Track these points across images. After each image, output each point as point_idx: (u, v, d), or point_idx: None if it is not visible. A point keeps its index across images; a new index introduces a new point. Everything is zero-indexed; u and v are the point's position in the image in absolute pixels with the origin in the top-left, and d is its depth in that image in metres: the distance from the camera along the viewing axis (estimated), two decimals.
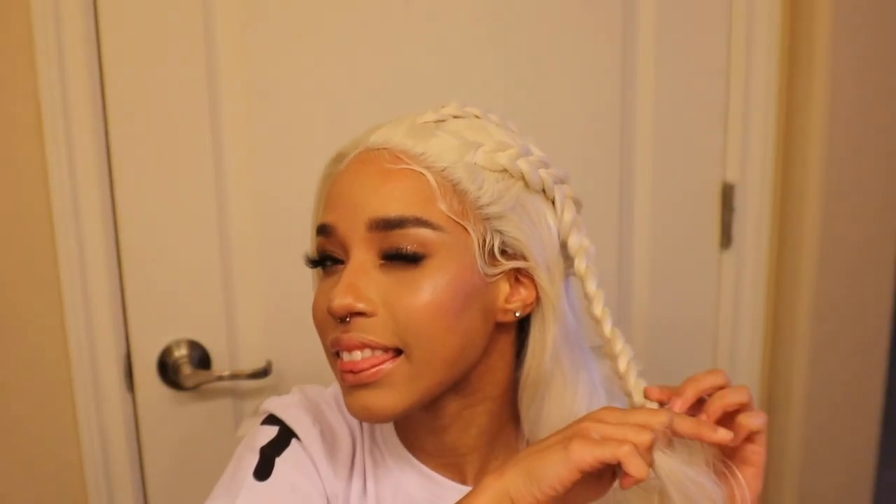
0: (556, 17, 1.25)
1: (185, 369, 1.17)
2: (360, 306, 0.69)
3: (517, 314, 0.75)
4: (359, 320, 0.69)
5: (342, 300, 0.68)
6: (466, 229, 0.71)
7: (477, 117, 0.76)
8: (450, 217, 0.70)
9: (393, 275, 0.69)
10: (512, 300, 0.75)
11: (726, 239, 1.41)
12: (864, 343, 1.46)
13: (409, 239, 0.69)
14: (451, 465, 0.79)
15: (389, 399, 0.70)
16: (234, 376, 1.19)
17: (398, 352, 0.69)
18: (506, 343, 0.77)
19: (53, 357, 1.14)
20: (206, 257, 1.18)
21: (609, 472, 0.65)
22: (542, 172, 0.75)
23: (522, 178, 0.73)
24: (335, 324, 0.70)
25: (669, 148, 1.35)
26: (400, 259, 0.69)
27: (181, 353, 1.18)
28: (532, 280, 0.74)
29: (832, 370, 1.44)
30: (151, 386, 1.19)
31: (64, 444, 1.17)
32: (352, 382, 0.70)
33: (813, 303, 1.40)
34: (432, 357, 0.70)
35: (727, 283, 1.43)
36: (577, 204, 0.77)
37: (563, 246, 0.76)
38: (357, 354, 0.69)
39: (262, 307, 1.21)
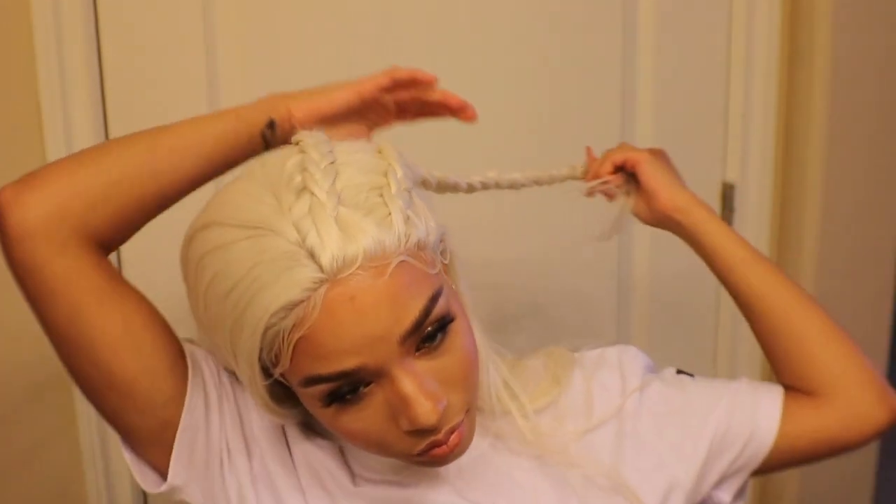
0: (555, 16, 1.25)
1: None
2: (444, 403, 0.67)
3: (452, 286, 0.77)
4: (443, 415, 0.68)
5: (431, 411, 0.65)
6: (441, 270, 0.70)
7: (332, 162, 0.67)
8: (434, 273, 0.68)
9: (433, 355, 0.67)
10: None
11: None
12: (864, 343, 1.45)
13: (435, 319, 0.66)
14: None
15: (470, 437, 0.72)
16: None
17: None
18: None
19: (53, 357, 1.14)
20: None
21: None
22: (406, 159, 0.72)
23: (418, 185, 0.73)
24: (419, 436, 0.68)
25: (669, 148, 1.34)
26: (431, 338, 0.67)
27: None
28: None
29: None
30: None
31: (64, 445, 1.17)
32: (447, 455, 0.70)
33: None
34: (477, 390, 0.73)
35: None
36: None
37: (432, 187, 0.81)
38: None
39: None
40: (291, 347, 0.64)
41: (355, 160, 0.68)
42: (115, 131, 1.12)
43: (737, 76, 1.36)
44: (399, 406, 0.66)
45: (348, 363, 0.64)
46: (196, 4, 1.12)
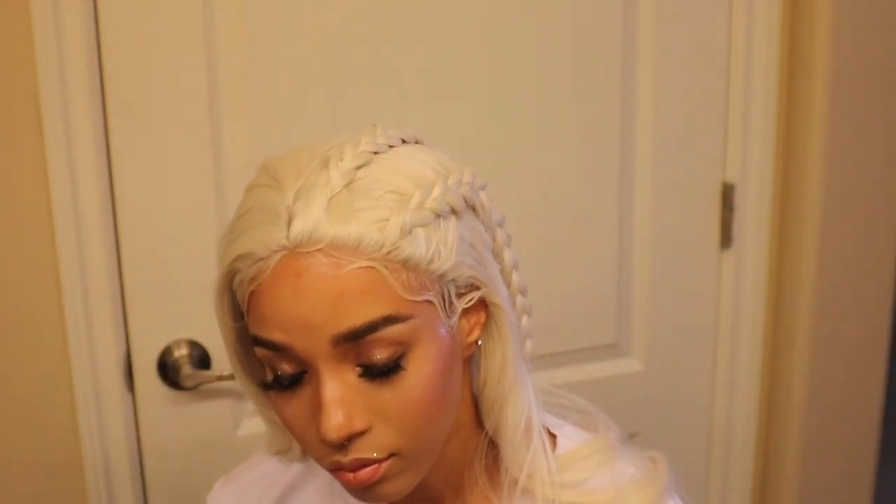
0: (555, 16, 1.25)
1: (185, 369, 1.17)
2: (358, 427, 0.63)
3: (479, 342, 0.71)
4: (355, 440, 0.64)
5: (339, 427, 0.62)
6: (430, 300, 0.64)
7: (376, 153, 0.66)
8: (411, 299, 0.63)
9: (376, 380, 0.63)
10: (472, 332, 0.70)
11: (726, 239, 1.41)
12: (864, 343, 1.46)
13: (385, 342, 0.62)
14: None
15: (396, 487, 0.66)
16: (235, 376, 1.19)
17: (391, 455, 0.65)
18: (465, 369, 0.72)
19: (53, 357, 1.14)
20: (206, 257, 1.17)
21: None
22: (464, 191, 0.68)
23: (452, 211, 0.66)
24: (329, 447, 0.64)
25: (669, 148, 1.35)
26: (381, 370, 0.63)
27: (181, 353, 1.18)
28: (481, 299, 0.69)
29: (832, 370, 1.44)
30: (151, 386, 1.19)
31: (64, 444, 1.16)
32: (354, 487, 0.66)
33: (813, 303, 1.40)
34: (428, 444, 0.67)
35: (727, 283, 1.43)
36: (485, 189, 0.72)
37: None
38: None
39: None
40: (247, 298, 0.64)
41: (402, 161, 0.66)
42: (116, 131, 1.12)
43: (737, 76, 1.36)
44: (316, 408, 0.64)
45: (277, 336, 0.63)
46: (196, 4, 1.12)
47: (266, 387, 0.66)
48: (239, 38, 1.14)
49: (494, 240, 0.73)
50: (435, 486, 0.74)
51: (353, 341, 0.62)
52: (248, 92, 1.16)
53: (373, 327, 0.62)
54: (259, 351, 0.65)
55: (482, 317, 0.70)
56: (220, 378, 1.18)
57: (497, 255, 0.73)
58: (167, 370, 1.18)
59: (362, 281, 0.61)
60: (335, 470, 0.66)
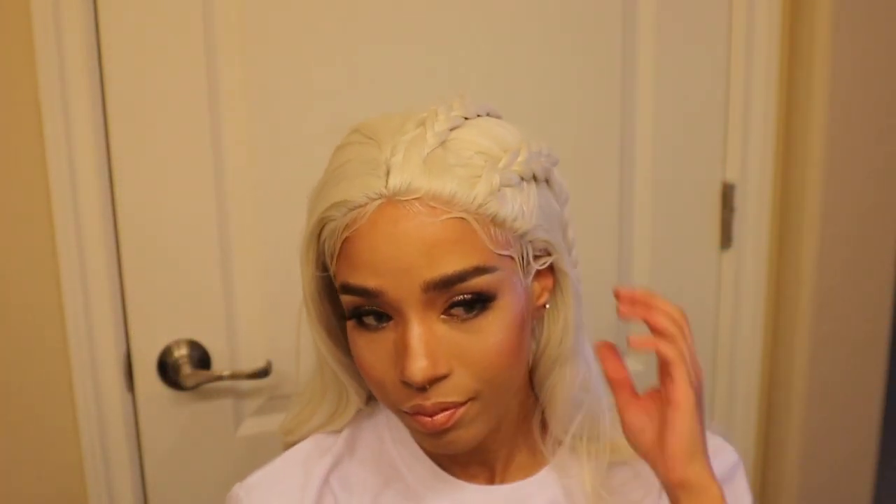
0: (555, 16, 1.25)
1: (185, 369, 1.17)
2: (441, 371, 0.67)
3: (546, 306, 0.76)
4: (437, 384, 0.67)
5: (423, 370, 0.66)
6: (511, 256, 0.69)
7: (466, 118, 0.71)
8: (497, 253, 0.67)
9: (459, 326, 0.67)
10: (541, 296, 0.75)
11: (726, 239, 1.41)
12: (864, 342, 1.46)
13: (471, 290, 0.66)
14: (481, 467, 0.80)
15: (470, 434, 0.70)
16: (234, 376, 1.19)
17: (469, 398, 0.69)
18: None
19: (53, 357, 1.14)
20: (206, 257, 1.18)
21: None
22: (543, 161, 0.73)
23: (533, 177, 0.72)
24: (410, 390, 0.68)
25: (669, 148, 1.35)
26: (466, 308, 0.67)
27: (181, 353, 1.18)
28: (550, 266, 0.75)
29: (832, 370, 1.44)
30: (151, 386, 1.19)
31: (64, 444, 1.17)
32: (431, 431, 0.69)
33: (813, 303, 1.40)
34: (503, 392, 0.71)
35: (727, 283, 1.43)
36: (557, 164, 0.78)
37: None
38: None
39: (262, 307, 1.21)
40: (339, 246, 0.68)
41: (490, 127, 0.71)
42: (116, 131, 1.12)
43: (737, 76, 1.36)
44: (400, 351, 0.67)
45: (371, 282, 0.66)
46: (196, 5, 1.12)
47: (351, 330, 0.70)
48: (239, 38, 1.14)
49: (562, 213, 0.77)
50: (493, 445, 0.78)
51: (442, 289, 0.66)
52: (248, 92, 1.16)
53: (462, 277, 0.66)
54: (347, 298, 0.69)
55: (550, 283, 0.75)
56: (220, 378, 1.18)
57: (563, 229, 0.77)
58: (167, 370, 1.18)
59: (455, 231, 0.66)
60: (414, 414, 0.69)
